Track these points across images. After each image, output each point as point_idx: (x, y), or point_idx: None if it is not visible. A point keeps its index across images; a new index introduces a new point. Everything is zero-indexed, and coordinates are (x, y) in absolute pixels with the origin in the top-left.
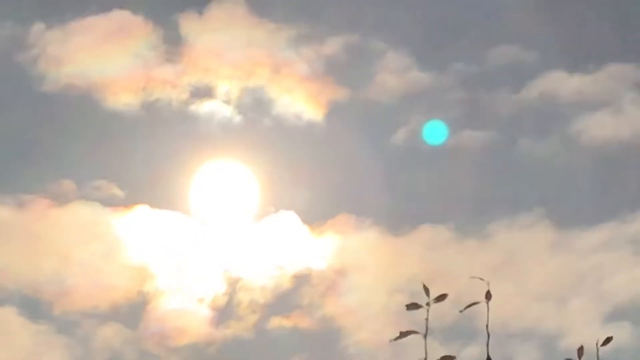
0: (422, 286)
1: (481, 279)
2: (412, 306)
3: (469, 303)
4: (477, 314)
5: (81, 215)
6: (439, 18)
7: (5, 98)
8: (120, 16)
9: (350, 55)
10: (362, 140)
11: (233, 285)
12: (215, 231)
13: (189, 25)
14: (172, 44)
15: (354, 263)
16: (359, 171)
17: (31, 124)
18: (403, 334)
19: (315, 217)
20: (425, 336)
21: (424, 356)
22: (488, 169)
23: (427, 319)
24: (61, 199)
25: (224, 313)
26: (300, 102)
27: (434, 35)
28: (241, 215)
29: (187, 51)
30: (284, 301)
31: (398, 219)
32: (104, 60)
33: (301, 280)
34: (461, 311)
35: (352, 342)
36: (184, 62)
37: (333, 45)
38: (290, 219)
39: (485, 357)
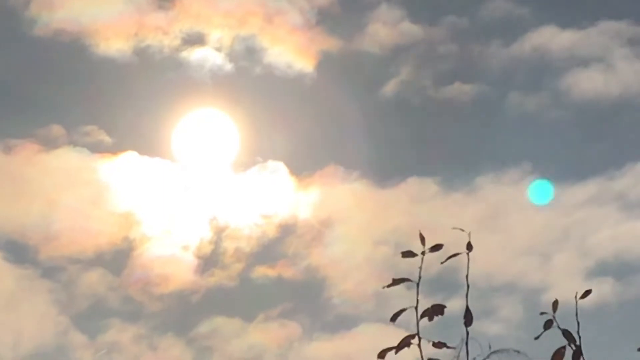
0: (406, 238)
1: (462, 230)
2: (408, 254)
3: (442, 256)
4: (459, 266)
5: (69, 160)
6: None
7: None
8: None
9: (343, 6)
10: (352, 92)
11: (219, 233)
12: (203, 179)
13: None
14: None
15: (340, 214)
16: (347, 123)
17: (21, 69)
18: (396, 281)
19: (303, 168)
20: (417, 284)
21: (414, 305)
22: (477, 123)
23: (420, 268)
24: (50, 144)
25: (209, 261)
26: (291, 51)
27: None
28: (229, 164)
29: None
30: (269, 250)
31: (385, 171)
32: (95, 5)
33: (287, 230)
34: (442, 262)
35: (337, 292)
36: (176, 9)
37: None
38: (278, 169)
39: (465, 308)
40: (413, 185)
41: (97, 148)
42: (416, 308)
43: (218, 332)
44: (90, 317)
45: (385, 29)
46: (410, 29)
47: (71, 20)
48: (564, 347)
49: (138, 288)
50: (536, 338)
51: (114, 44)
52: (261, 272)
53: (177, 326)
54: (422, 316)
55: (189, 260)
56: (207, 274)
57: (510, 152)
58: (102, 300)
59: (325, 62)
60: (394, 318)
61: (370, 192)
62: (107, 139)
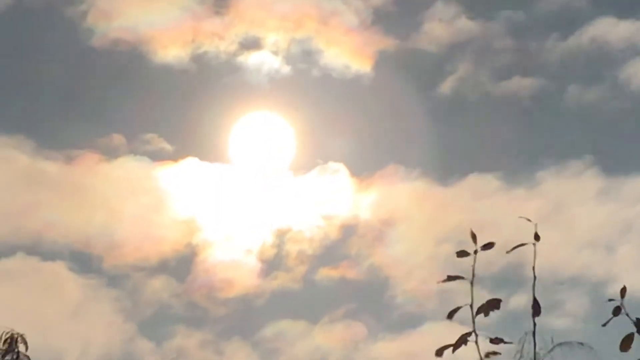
0: (468, 235)
1: (528, 220)
2: (462, 253)
3: (505, 252)
4: (524, 262)
5: (130, 169)
6: None
7: (55, 53)
8: None
9: (398, 5)
10: (410, 91)
11: (281, 236)
12: (263, 183)
13: None
14: None
15: (401, 213)
16: (406, 122)
17: (81, 79)
18: (450, 278)
19: (363, 169)
20: (471, 282)
21: (470, 302)
22: (537, 117)
23: (473, 266)
24: (111, 154)
25: (272, 264)
26: (347, 53)
27: None
28: (289, 167)
29: (235, 3)
30: (331, 252)
31: (446, 168)
32: (152, 14)
33: (349, 231)
34: (508, 252)
35: (400, 291)
36: (232, 14)
37: None
38: (338, 170)
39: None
40: (474, 182)
41: (157, 156)
42: (471, 305)
43: (283, 335)
44: (156, 324)
45: (441, 27)
46: (467, 25)
47: (128, 29)
48: (632, 334)
49: (202, 293)
50: (604, 325)
51: (171, 51)
52: (324, 273)
53: (242, 330)
54: (478, 312)
55: (252, 264)
56: (271, 277)
57: (571, 145)
58: (167, 307)
59: (382, 61)
60: (450, 316)
61: (431, 190)
62: (167, 146)
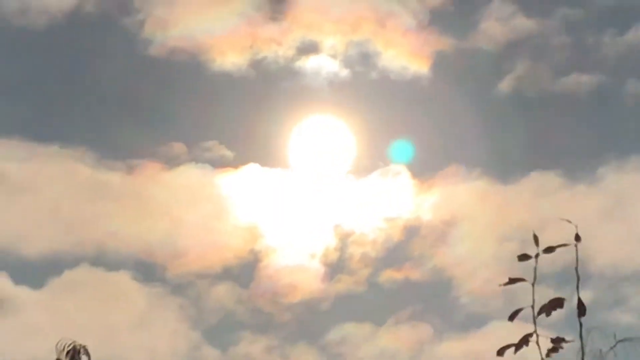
0: (531, 233)
1: (569, 221)
2: (523, 257)
3: (568, 249)
4: (587, 258)
5: (191, 177)
6: None
7: (114, 63)
8: None
9: (455, 5)
10: (469, 90)
11: (344, 239)
12: (324, 187)
13: None
14: (277, 2)
15: (463, 213)
16: (466, 121)
17: (140, 89)
18: (512, 281)
19: (424, 169)
20: (533, 284)
21: (531, 303)
22: (596, 112)
23: (535, 268)
24: (172, 162)
25: (336, 268)
26: (405, 54)
27: None
28: (350, 170)
29: (292, 8)
30: (394, 254)
31: (507, 167)
32: (209, 21)
33: (411, 232)
34: (544, 251)
35: (464, 291)
36: (288, 19)
37: None
38: (399, 172)
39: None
40: (535, 180)
41: (218, 163)
42: (532, 307)
43: (349, 338)
44: (221, 331)
45: (498, 25)
46: (524, 23)
47: (186, 38)
48: None
49: (267, 299)
50: None
51: (229, 58)
52: (388, 275)
53: (307, 335)
54: (540, 312)
55: (316, 268)
56: (335, 280)
57: (631, 140)
58: (232, 314)
59: (440, 62)
60: (512, 317)
61: (493, 189)
62: (227, 153)
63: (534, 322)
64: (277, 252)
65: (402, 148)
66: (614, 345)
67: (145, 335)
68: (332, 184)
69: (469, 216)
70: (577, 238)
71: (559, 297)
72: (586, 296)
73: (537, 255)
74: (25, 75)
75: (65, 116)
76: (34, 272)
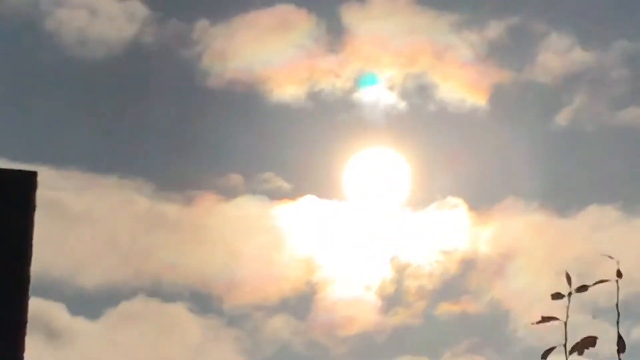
0: (588, 267)
1: (610, 257)
2: (556, 296)
3: (626, 283)
4: None
5: (248, 209)
6: None
7: (172, 95)
8: (283, 9)
9: (513, 38)
10: (526, 123)
11: (401, 272)
12: (381, 219)
13: (351, 15)
14: (335, 34)
15: (520, 246)
16: (523, 154)
17: (197, 120)
18: (544, 319)
19: (482, 202)
20: (565, 323)
21: (565, 342)
22: None
23: (567, 307)
24: (229, 194)
25: (392, 300)
26: (463, 86)
27: (596, 13)
28: (407, 202)
29: (350, 40)
30: (451, 286)
31: (564, 200)
32: (268, 53)
33: (468, 265)
34: (581, 289)
35: (521, 325)
36: (346, 51)
37: (495, 29)
38: (456, 205)
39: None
40: (593, 213)
41: (275, 195)
42: (565, 345)
43: None
44: None
45: (556, 58)
46: (582, 56)
47: (244, 69)
48: None
49: (323, 332)
50: None
51: (287, 90)
52: (445, 308)
53: None
54: (572, 351)
55: (372, 300)
56: (391, 313)
57: None
58: (288, 346)
59: (498, 94)
60: (544, 356)
61: (550, 222)
62: (285, 185)
63: None
64: (333, 284)
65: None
66: None
67: None
68: (389, 216)
69: (526, 249)
70: (619, 274)
71: (591, 336)
72: None
73: (569, 294)
74: (84, 106)
75: (123, 147)
76: (91, 303)
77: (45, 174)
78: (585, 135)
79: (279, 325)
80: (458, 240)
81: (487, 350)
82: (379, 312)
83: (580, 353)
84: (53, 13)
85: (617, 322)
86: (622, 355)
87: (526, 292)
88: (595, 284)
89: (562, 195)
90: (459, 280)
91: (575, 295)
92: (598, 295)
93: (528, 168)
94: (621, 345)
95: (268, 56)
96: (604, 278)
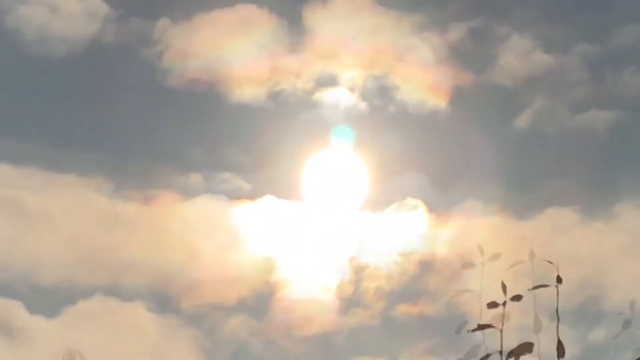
0: (548, 270)
1: (550, 262)
2: (492, 305)
3: (584, 286)
4: (604, 295)
5: (208, 208)
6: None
7: (132, 94)
8: (245, 9)
9: (474, 40)
10: (486, 125)
11: (359, 273)
12: (341, 220)
13: (313, 15)
14: (296, 35)
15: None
16: (483, 156)
17: (158, 120)
18: (480, 327)
19: (441, 204)
20: (501, 330)
21: (504, 348)
22: (614, 149)
23: (503, 315)
24: (188, 193)
25: (351, 301)
26: (423, 88)
27: (557, 16)
28: (366, 204)
29: (311, 41)
30: (409, 288)
31: (523, 203)
32: (229, 53)
33: (427, 267)
34: (530, 289)
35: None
36: (307, 52)
37: (456, 31)
38: (416, 206)
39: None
40: (552, 216)
41: (235, 194)
42: (500, 352)
43: None
44: None
45: (517, 60)
46: (542, 59)
47: (204, 69)
48: None
49: (281, 332)
50: (614, 338)
51: (248, 90)
52: (403, 310)
53: None
54: (508, 357)
55: (331, 301)
56: (349, 314)
57: None
58: (246, 346)
59: (458, 96)
60: None
61: (509, 225)
62: (244, 184)
63: None
64: (292, 285)
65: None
66: None
67: None
68: (348, 217)
69: (485, 252)
70: (559, 280)
71: (528, 342)
72: (600, 334)
73: (504, 303)
74: (43, 104)
75: (82, 146)
76: (49, 301)
77: (3, 172)
78: (545, 138)
79: (237, 326)
80: (417, 242)
81: (445, 351)
82: (337, 313)
83: (517, 359)
84: (14, 10)
85: (557, 327)
86: None
87: (484, 294)
88: (534, 288)
89: (521, 198)
90: (418, 281)
91: (535, 297)
92: (555, 297)
93: (488, 171)
94: (560, 351)
95: (229, 56)
96: (563, 280)
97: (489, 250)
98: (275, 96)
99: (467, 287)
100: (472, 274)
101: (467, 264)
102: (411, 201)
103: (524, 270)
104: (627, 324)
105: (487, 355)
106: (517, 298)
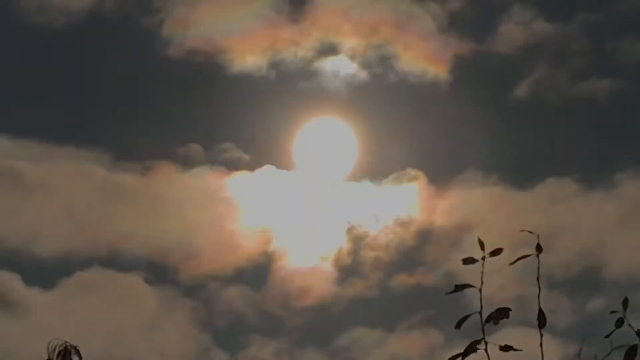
0: (546, 240)
1: (530, 232)
2: (469, 260)
3: (583, 255)
4: (604, 265)
5: (206, 179)
6: None
7: (132, 63)
8: None
9: (474, 9)
10: (487, 94)
11: (357, 243)
12: (339, 189)
13: None
14: (297, 4)
15: (478, 218)
16: (484, 126)
17: (157, 89)
18: (459, 287)
19: (441, 174)
20: (480, 289)
21: (481, 309)
22: (614, 118)
23: (482, 273)
24: (187, 164)
25: (349, 271)
26: (424, 57)
27: None
28: (367, 173)
29: (311, 10)
30: (407, 258)
31: (523, 172)
32: (229, 22)
33: (425, 237)
34: (511, 264)
35: (476, 297)
36: (308, 21)
37: (457, 0)
38: (416, 177)
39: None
40: (552, 186)
41: (234, 165)
42: (480, 313)
43: (359, 344)
44: (231, 334)
45: (517, 29)
46: (543, 28)
47: (205, 38)
48: (635, 346)
49: (278, 302)
50: (607, 337)
51: (248, 59)
52: (400, 280)
53: (317, 339)
54: (487, 320)
55: (328, 271)
56: (346, 284)
57: None
58: (243, 317)
59: (459, 66)
60: (458, 325)
61: (509, 195)
62: (244, 155)
63: (482, 329)
64: (290, 255)
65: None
66: (609, 353)
67: (156, 337)
68: (347, 187)
69: (483, 222)
70: (539, 249)
71: (505, 307)
72: (599, 303)
73: (483, 259)
74: (42, 74)
75: (81, 117)
76: (46, 272)
77: (1, 144)
78: (546, 107)
79: (235, 296)
80: (416, 212)
81: (442, 322)
82: (334, 283)
83: (496, 323)
84: None
85: (538, 296)
86: (542, 330)
87: (482, 265)
88: (515, 261)
89: (521, 167)
90: (416, 252)
91: (528, 268)
92: (555, 267)
93: (488, 140)
94: (542, 320)
95: (229, 25)
96: (562, 249)
97: (487, 219)
98: (275, 65)
99: (467, 275)
100: (472, 243)
101: (468, 260)
102: (411, 171)
103: (522, 241)
104: (619, 322)
105: (467, 316)
106: (496, 252)
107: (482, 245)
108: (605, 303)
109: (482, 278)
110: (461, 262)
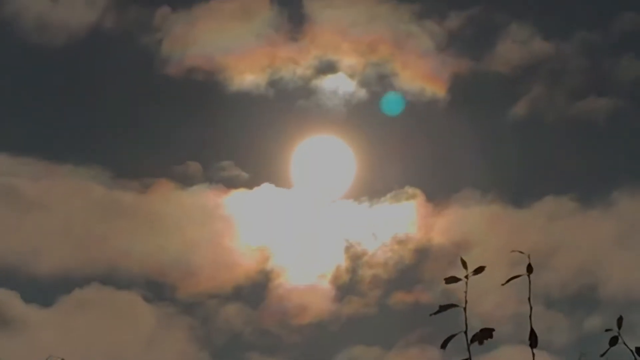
0: (544, 258)
1: (521, 252)
2: (451, 280)
3: (580, 273)
4: (600, 283)
5: (205, 197)
6: None
7: (131, 81)
8: None
9: (473, 27)
10: (485, 113)
11: (356, 260)
12: (338, 207)
13: (312, 3)
14: (296, 22)
15: (476, 237)
16: (481, 144)
17: (157, 107)
18: (443, 308)
19: (439, 192)
20: (464, 309)
21: (464, 329)
22: (612, 137)
23: (465, 292)
24: (186, 182)
25: (347, 289)
26: (422, 76)
27: (556, 3)
28: (365, 192)
29: (310, 29)
30: (405, 276)
31: (521, 191)
32: (228, 41)
33: (423, 255)
34: (503, 284)
35: (474, 315)
36: (307, 39)
37: (455, 19)
38: (414, 195)
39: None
40: (549, 204)
41: (233, 183)
42: (465, 332)
43: None
44: (229, 352)
45: (515, 48)
46: (541, 46)
47: (204, 57)
48: None
49: (276, 320)
50: (602, 355)
51: (247, 78)
52: (398, 298)
53: (315, 357)
54: (472, 340)
55: (326, 289)
56: (345, 302)
57: None
58: (241, 334)
59: (457, 84)
60: (444, 345)
61: (506, 213)
62: (242, 173)
63: (468, 349)
64: (288, 273)
65: (393, 101)
66: None
67: (154, 354)
68: (345, 205)
69: (481, 240)
70: (529, 269)
71: (488, 328)
72: (596, 321)
73: (467, 277)
74: (42, 92)
75: (80, 134)
76: (44, 290)
77: (0, 161)
78: (543, 126)
79: (233, 314)
80: (414, 230)
81: (440, 340)
82: (333, 301)
83: (481, 343)
84: None
85: (530, 316)
86: (538, 349)
87: (480, 283)
88: (507, 282)
89: (518, 186)
90: (414, 270)
91: (526, 286)
92: (552, 285)
93: (485, 159)
94: (533, 339)
95: (229, 43)
96: (559, 268)
97: (485, 237)
98: (274, 84)
99: (456, 295)
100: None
101: (451, 279)
102: (409, 189)
103: (519, 259)
104: (614, 340)
105: (452, 336)
106: (478, 270)
107: (464, 264)
108: (602, 321)
109: (465, 297)
110: (444, 282)
